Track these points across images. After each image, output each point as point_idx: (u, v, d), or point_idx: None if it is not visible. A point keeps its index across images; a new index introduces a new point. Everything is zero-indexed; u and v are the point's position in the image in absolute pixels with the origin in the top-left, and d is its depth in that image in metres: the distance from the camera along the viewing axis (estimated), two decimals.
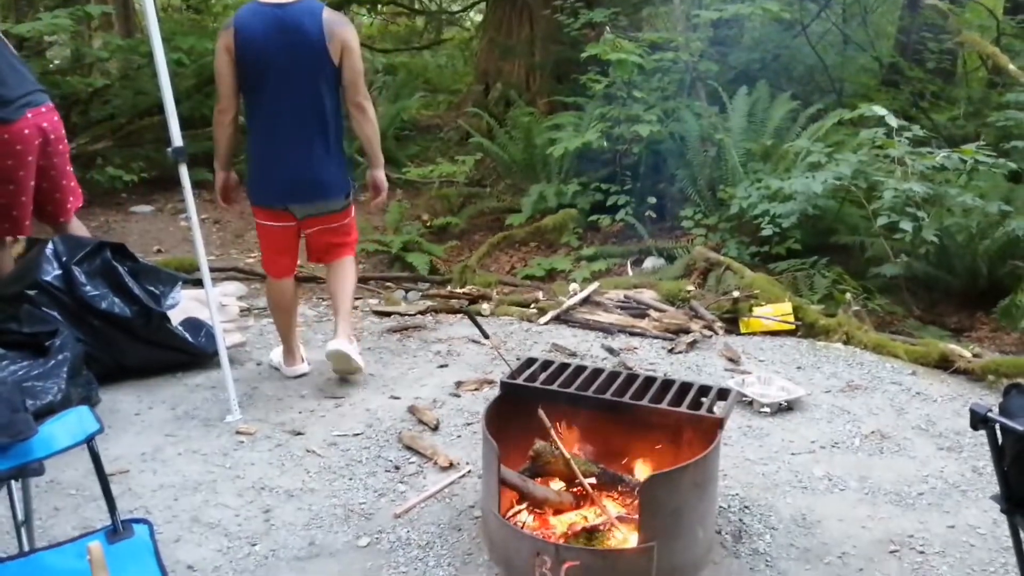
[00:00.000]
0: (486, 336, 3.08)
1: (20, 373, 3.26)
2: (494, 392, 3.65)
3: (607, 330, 4.58)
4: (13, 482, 2.09)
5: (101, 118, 8.23)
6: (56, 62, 9.34)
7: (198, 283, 3.94)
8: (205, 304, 3.70)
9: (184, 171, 3.43)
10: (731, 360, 4.19)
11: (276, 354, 4.04)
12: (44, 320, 3.56)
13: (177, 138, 3.42)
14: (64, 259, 3.76)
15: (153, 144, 7.68)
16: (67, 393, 3.28)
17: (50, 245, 3.81)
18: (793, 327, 4.61)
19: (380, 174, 3.95)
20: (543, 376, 2.82)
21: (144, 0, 3.36)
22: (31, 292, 3.64)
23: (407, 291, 5.82)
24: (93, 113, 8.33)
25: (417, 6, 12.85)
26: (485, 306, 5.03)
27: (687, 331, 4.50)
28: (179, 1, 12.62)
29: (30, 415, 1.95)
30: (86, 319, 3.68)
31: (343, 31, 3.50)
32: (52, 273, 3.71)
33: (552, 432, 2.68)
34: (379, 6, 12.38)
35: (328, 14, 3.48)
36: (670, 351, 4.30)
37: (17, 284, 3.71)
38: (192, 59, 8.73)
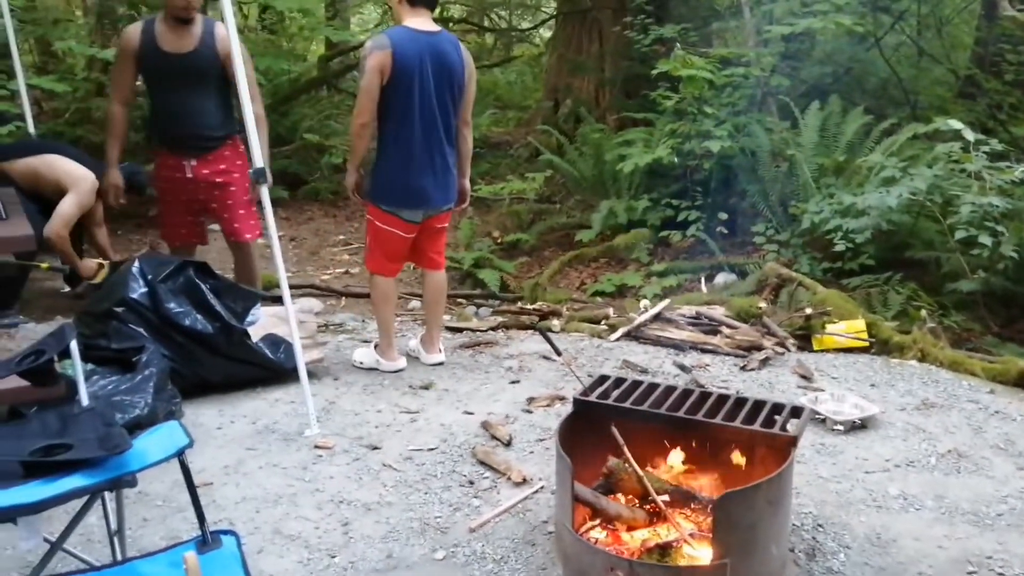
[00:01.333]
0: (558, 353, 3.11)
1: (109, 388, 3.39)
2: (566, 408, 3.69)
3: (678, 347, 4.57)
4: (107, 493, 2.19)
5: None
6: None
7: (277, 300, 4.06)
8: (284, 320, 3.81)
9: (265, 192, 3.53)
10: (804, 377, 4.15)
11: (363, 355, 4.34)
12: (131, 336, 3.70)
13: (259, 159, 3.52)
14: (149, 277, 3.90)
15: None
16: (153, 407, 3.40)
17: (136, 264, 3.96)
18: (867, 344, 4.54)
19: (468, 183, 4.38)
20: (616, 393, 2.83)
21: (228, 24, 3.48)
22: (119, 309, 3.78)
23: (478, 307, 5.88)
24: None
25: (487, 24, 13.02)
26: (555, 322, 5.06)
27: (759, 348, 4.47)
28: (255, 23, 12.98)
29: (124, 429, 2.05)
30: (170, 335, 3.81)
31: (472, 62, 4.10)
32: (138, 291, 3.85)
33: (625, 449, 2.69)
34: (450, 24, 12.56)
35: (463, 46, 4.06)
36: (742, 368, 4.28)
37: (105, 302, 3.87)
38: (268, 79, 8.98)
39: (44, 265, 4.94)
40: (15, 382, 2.42)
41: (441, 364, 4.34)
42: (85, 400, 2.38)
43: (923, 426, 3.61)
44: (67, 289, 5.63)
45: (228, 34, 3.51)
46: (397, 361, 4.27)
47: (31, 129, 5.51)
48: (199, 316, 3.89)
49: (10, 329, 4.83)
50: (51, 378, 2.40)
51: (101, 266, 5.22)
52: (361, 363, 4.31)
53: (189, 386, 3.78)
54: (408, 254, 4.23)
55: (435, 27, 3.94)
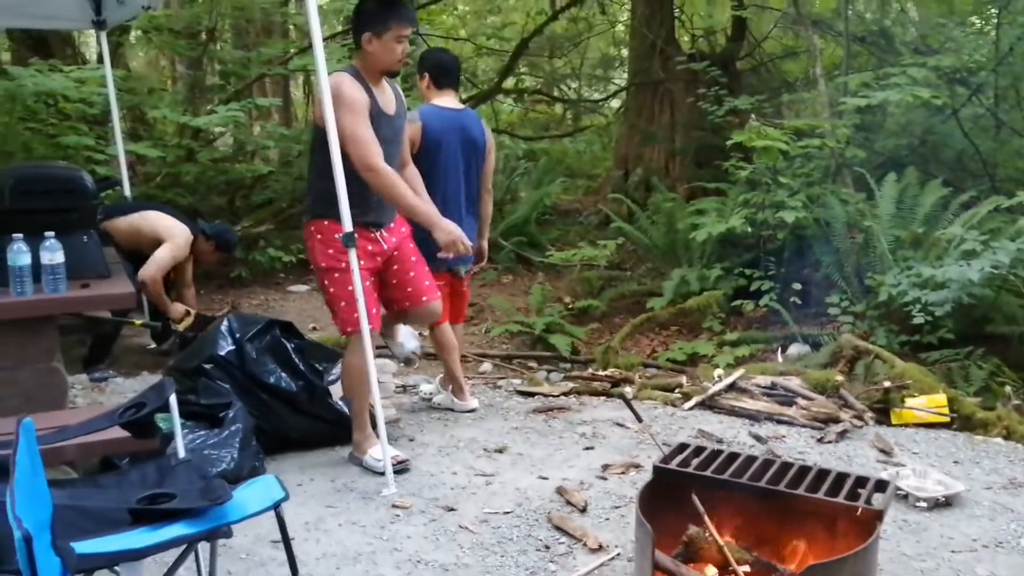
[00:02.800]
0: (639, 419, 3.13)
1: (198, 442, 3.50)
2: (641, 476, 3.68)
3: (754, 417, 4.53)
4: (201, 543, 2.26)
5: (262, 202, 8.80)
6: (221, 150, 10.10)
7: None
8: None
9: (353, 256, 3.62)
10: (883, 451, 4.07)
11: (441, 397, 4.72)
12: (219, 393, 3.82)
13: (347, 224, 3.63)
14: (237, 335, 4.04)
15: None
16: (239, 463, 3.49)
17: (225, 322, 4.11)
18: (948, 419, 4.44)
19: (486, 244, 4.79)
20: (696, 462, 2.84)
21: (322, 92, 3.60)
22: (207, 366, 3.92)
23: (549, 372, 5.91)
24: (255, 198, 8.93)
25: (557, 94, 13.27)
26: (628, 389, 5.06)
27: (837, 420, 4.41)
28: None
29: (224, 480, 2.13)
30: (255, 392, 3.92)
31: (492, 136, 4.69)
32: (226, 348, 3.99)
33: (706, 518, 2.68)
34: (525, 95, 12.86)
35: (484, 123, 4.65)
36: (819, 440, 4.22)
37: (196, 358, 4.01)
38: None
39: (138, 322, 5.15)
40: (114, 433, 2.53)
41: (475, 410, 4.65)
42: (182, 452, 2.47)
43: (1011, 506, 3.52)
44: (153, 346, 5.84)
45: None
46: (469, 401, 4.67)
47: (127, 192, 5.80)
48: (283, 374, 4.00)
49: (101, 383, 5.03)
50: (150, 431, 2.50)
51: (188, 313, 5.41)
52: (438, 403, 4.73)
53: (272, 443, 3.87)
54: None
55: (460, 105, 4.58)
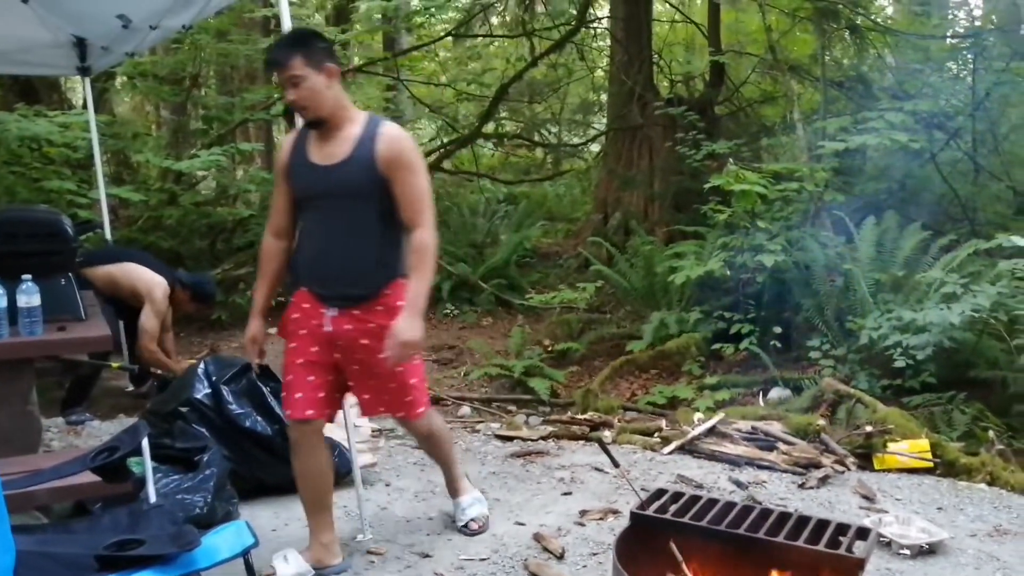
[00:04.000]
0: (616, 465, 3.10)
1: (172, 486, 3.44)
2: (619, 522, 3.64)
3: (734, 462, 4.51)
4: None
5: (243, 245, 8.78)
6: (204, 193, 10.11)
7: None
8: (340, 425, 3.85)
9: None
10: (866, 497, 4.06)
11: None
12: (195, 436, 3.77)
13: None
14: (214, 378, 4.00)
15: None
16: (212, 507, 3.43)
17: (201, 365, 4.07)
18: (931, 465, 4.43)
19: None
20: (674, 508, 2.80)
21: None
22: (184, 409, 3.87)
23: (528, 416, 5.88)
24: (236, 241, 8.90)
25: (538, 139, 13.38)
26: (607, 433, 5.03)
27: (818, 466, 4.39)
28: None
29: (192, 527, 2.08)
30: (231, 436, 3.87)
31: None
32: (202, 391, 3.95)
33: (683, 566, 2.64)
34: (504, 140, 12.94)
35: None
36: (800, 486, 4.20)
37: (172, 402, 3.96)
38: None
39: (115, 365, 5.10)
40: (86, 478, 2.48)
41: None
42: (153, 497, 2.42)
43: (996, 554, 3.49)
44: (132, 388, 5.78)
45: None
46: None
47: (108, 235, 5.77)
48: (259, 418, 3.95)
49: (77, 426, 4.96)
50: (122, 475, 2.45)
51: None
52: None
53: (247, 487, 3.82)
54: None
55: None
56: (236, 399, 3.96)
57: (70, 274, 3.74)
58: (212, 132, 9.72)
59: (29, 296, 3.27)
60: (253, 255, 8.52)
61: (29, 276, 3.30)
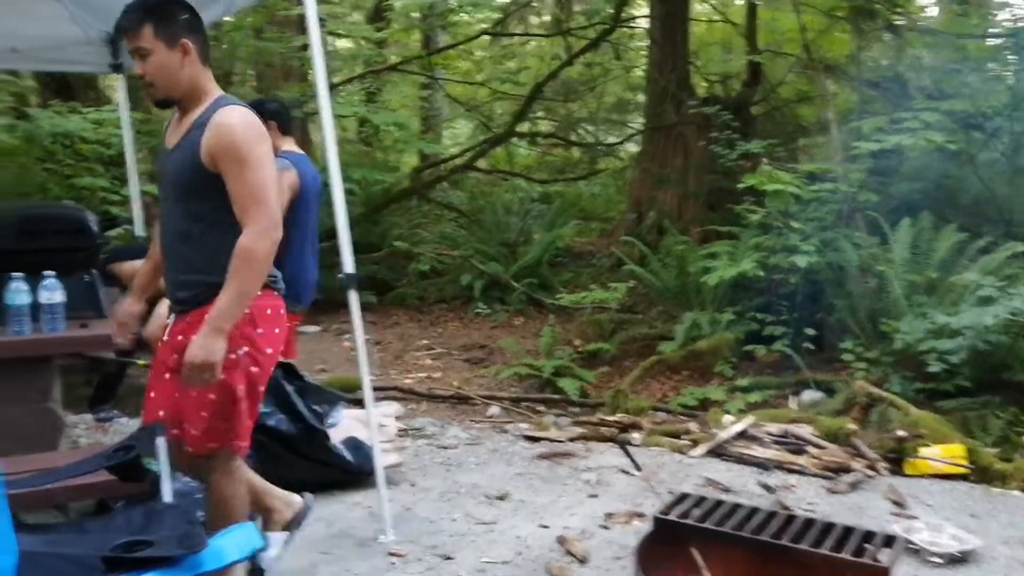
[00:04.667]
0: (638, 468, 3.06)
1: (191, 485, 3.44)
2: (644, 526, 3.59)
3: (763, 466, 4.43)
4: None
5: None
6: None
7: (358, 403, 4.11)
8: (365, 424, 3.84)
9: (354, 297, 3.61)
10: (896, 503, 3.97)
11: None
12: None
13: (349, 265, 3.61)
14: None
15: (324, 268, 8.15)
16: None
17: None
18: (965, 471, 4.33)
19: None
20: (697, 513, 2.76)
21: (326, 135, 3.63)
22: None
23: (557, 416, 5.84)
24: None
25: (574, 138, 13.33)
26: (636, 435, 4.98)
27: (848, 470, 4.30)
28: (355, 135, 13.58)
29: (202, 528, 2.08)
30: (254, 434, 3.86)
31: None
32: None
33: (705, 572, 2.60)
34: (538, 139, 12.92)
35: None
36: (830, 491, 4.12)
37: None
38: (361, 189, 9.33)
39: (141, 363, 5.12)
40: (101, 476, 2.49)
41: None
42: (168, 497, 2.42)
43: None
44: None
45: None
46: None
47: (138, 232, 5.82)
48: (283, 416, 3.95)
49: (105, 423, 5.00)
50: (137, 474, 2.45)
51: None
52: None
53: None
54: None
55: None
56: None
57: (93, 271, 3.76)
58: None
59: (51, 292, 3.29)
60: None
61: (52, 273, 3.32)
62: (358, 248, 8.14)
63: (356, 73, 11.55)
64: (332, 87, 10.44)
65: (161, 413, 2.71)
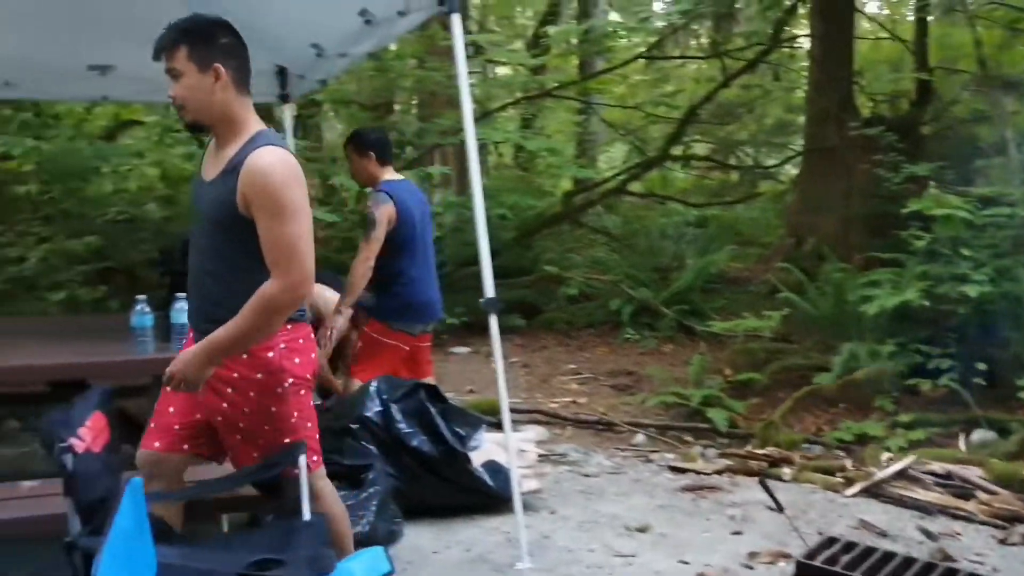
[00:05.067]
0: (780, 508, 2.92)
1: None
2: (790, 568, 3.42)
3: (925, 509, 4.16)
4: None
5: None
6: None
7: (500, 426, 4.13)
8: (504, 448, 3.85)
9: (494, 321, 3.63)
10: None
11: None
12: (364, 454, 3.88)
13: (490, 289, 3.65)
14: (384, 397, 4.11)
15: (474, 291, 8.27)
16: (375, 526, 3.51)
17: (374, 384, 4.19)
18: None
19: None
20: (845, 559, 2.61)
21: (471, 162, 3.69)
22: (354, 426, 4.00)
23: (704, 447, 5.68)
24: None
25: (731, 161, 13.05)
26: (786, 470, 4.78)
27: (1023, 520, 3.97)
28: (511, 161, 13.80)
29: (333, 551, 2.12)
30: (398, 455, 3.96)
31: None
32: (373, 409, 4.06)
33: None
34: (692, 161, 12.72)
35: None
36: (1001, 541, 3.81)
37: (345, 418, 4.10)
38: (514, 214, 9.45)
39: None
40: (248, 491, 2.59)
41: None
42: (307, 515, 2.49)
43: None
44: (319, 402, 6.03)
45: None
46: None
47: None
48: (426, 438, 4.02)
49: None
50: (279, 490, 2.54)
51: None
52: None
53: (410, 506, 3.88)
54: None
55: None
56: (405, 418, 4.05)
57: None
58: (405, 156, 10.11)
59: (180, 313, 3.44)
60: (440, 276, 8.78)
61: (183, 295, 3.48)
62: (509, 272, 8.27)
63: (508, 100, 11.73)
64: (487, 114, 10.66)
65: (156, 444, 2.65)
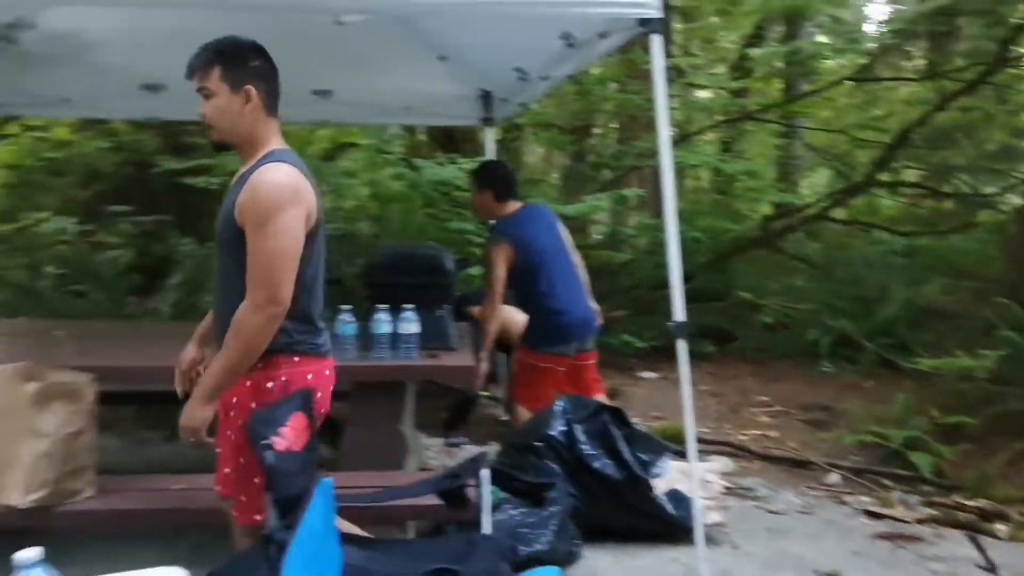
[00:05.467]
0: (992, 568, 2.69)
1: (516, 519, 3.59)
2: None
3: None
4: None
5: (624, 287, 9.01)
6: (597, 237, 10.55)
7: (684, 454, 4.04)
8: (689, 477, 3.77)
9: (683, 346, 3.57)
10: None
11: None
12: (546, 472, 3.91)
13: (680, 313, 3.58)
14: (569, 417, 4.12)
15: (665, 314, 8.16)
16: (554, 545, 3.52)
17: (559, 403, 4.21)
18: None
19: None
20: None
21: (665, 184, 3.66)
22: (538, 444, 4.03)
23: (905, 493, 5.32)
24: (618, 283, 9.17)
25: (946, 189, 12.23)
26: (1000, 527, 4.40)
27: None
28: (708, 184, 13.56)
29: (509, 567, 2.14)
30: (580, 476, 3.96)
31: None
32: (558, 429, 4.08)
33: None
34: (900, 188, 12.03)
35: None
36: None
37: (530, 436, 4.14)
38: (710, 237, 9.27)
39: (484, 394, 5.46)
40: (431, 500, 2.67)
41: None
42: (487, 528, 2.54)
43: None
44: (506, 417, 6.15)
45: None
46: None
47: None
48: (609, 461, 4.00)
49: (454, 448, 5.39)
50: (462, 501, 2.60)
51: None
52: None
53: (589, 529, 3.87)
54: None
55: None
56: (588, 439, 4.04)
57: (446, 307, 4.09)
58: (601, 178, 10.15)
59: (408, 324, 3.65)
60: (632, 298, 8.74)
61: (411, 306, 3.66)
62: (701, 296, 8.14)
63: (707, 123, 11.53)
64: (685, 137, 10.52)
65: (216, 489, 2.64)
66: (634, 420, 4.51)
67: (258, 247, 2.37)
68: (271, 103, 2.59)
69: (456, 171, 7.98)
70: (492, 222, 4.92)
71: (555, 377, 4.57)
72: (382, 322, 3.69)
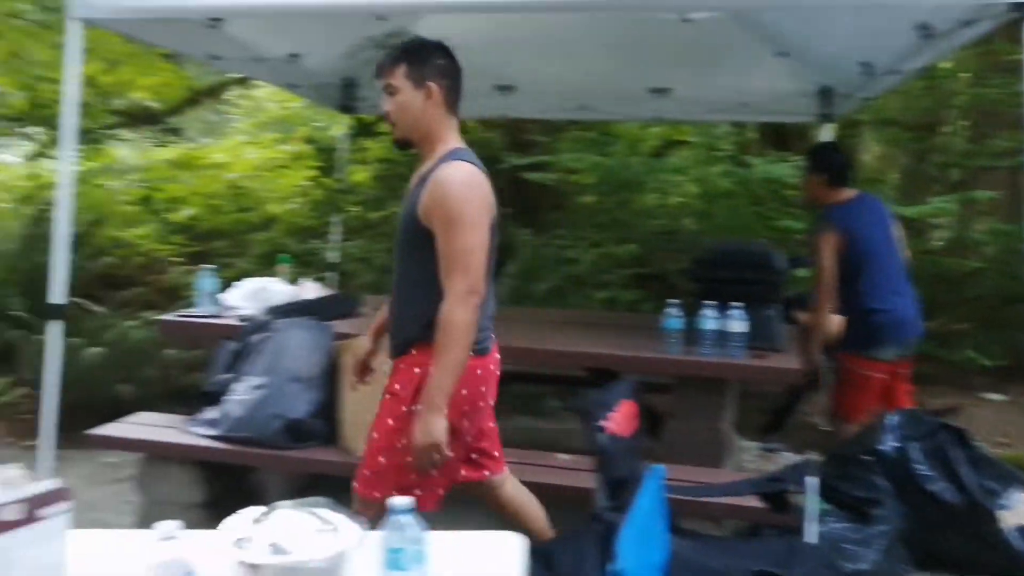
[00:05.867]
0: None
1: (838, 532, 3.43)
2: None
3: None
4: None
5: (969, 298, 8.25)
6: (938, 243, 9.74)
7: None
8: None
9: None
10: None
11: None
12: (873, 487, 3.69)
13: None
14: (901, 432, 3.87)
15: (1017, 330, 7.40)
16: (880, 565, 3.33)
17: (891, 417, 3.97)
18: None
19: None
20: None
21: None
22: (866, 458, 3.82)
23: None
24: (961, 292, 8.40)
25: None
26: None
27: None
28: None
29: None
30: (912, 497, 3.70)
31: None
32: (888, 444, 3.84)
33: None
34: None
35: None
36: None
37: (857, 447, 3.94)
38: None
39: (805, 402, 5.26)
40: (752, 502, 2.64)
41: None
42: (813, 537, 2.48)
43: None
44: (827, 427, 5.88)
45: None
46: None
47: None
48: (947, 485, 3.70)
49: (770, 453, 5.26)
50: (783, 506, 2.56)
51: None
52: None
53: (921, 554, 3.62)
54: None
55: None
56: (924, 459, 3.77)
57: (776, 306, 3.99)
58: (949, 178, 9.35)
59: (736, 322, 3.63)
60: (978, 309, 7.96)
61: (740, 304, 3.64)
62: None
63: None
64: None
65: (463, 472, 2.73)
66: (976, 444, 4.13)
67: (451, 241, 2.45)
68: (452, 101, 2.65)
69: (788, 168, 7.74)
70: (819, 212, 4.70)
71: (878, 386, 4.30)
72: (709, 318, 3.71)
